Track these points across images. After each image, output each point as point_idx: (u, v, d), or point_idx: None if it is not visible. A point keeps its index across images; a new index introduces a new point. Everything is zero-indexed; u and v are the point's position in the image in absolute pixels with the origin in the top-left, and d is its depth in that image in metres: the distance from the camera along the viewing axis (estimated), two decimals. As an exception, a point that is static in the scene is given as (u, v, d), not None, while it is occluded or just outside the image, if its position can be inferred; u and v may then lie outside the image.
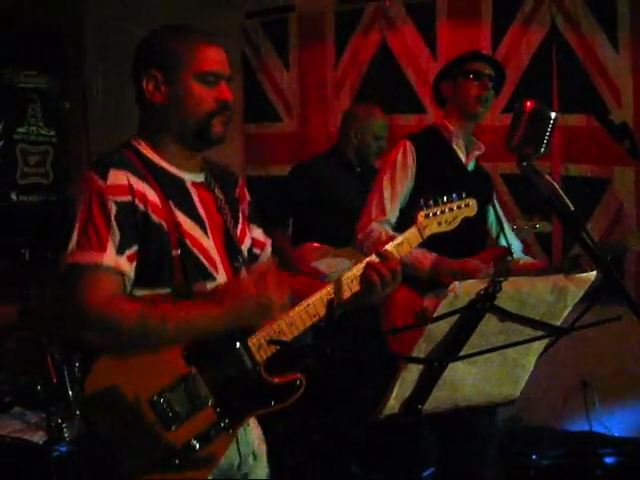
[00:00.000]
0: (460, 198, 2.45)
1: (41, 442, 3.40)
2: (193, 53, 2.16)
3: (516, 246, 3.57)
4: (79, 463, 3.17)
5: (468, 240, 3.20)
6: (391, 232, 3.21)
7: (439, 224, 2.40)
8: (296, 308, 2.17)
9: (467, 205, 2.47)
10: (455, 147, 3.47)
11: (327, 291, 2.20)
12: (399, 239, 2.32)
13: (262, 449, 2.35)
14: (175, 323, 2.03)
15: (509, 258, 3.41)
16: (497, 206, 3.64)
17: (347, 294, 2.22)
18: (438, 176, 3.32)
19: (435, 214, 2.39)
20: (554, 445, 4.66)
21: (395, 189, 3.31)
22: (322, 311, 2.17)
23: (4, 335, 3.87)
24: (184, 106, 2.16)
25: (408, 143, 3.37)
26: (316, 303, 2.18)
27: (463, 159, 3.49)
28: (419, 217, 2.36)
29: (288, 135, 5.67)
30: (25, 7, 5.59)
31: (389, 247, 2.28)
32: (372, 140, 4.53)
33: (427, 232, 2.37)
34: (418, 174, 3.34)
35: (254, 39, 5.73)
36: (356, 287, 2.22)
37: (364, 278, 2.21)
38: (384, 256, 2.24)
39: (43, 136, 5.98)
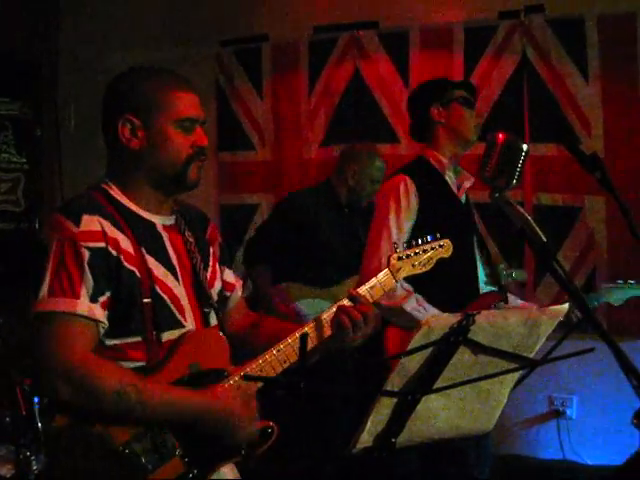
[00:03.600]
0: (435, 239, 2.44)
1: (9, 475, 3.35)
2: (170, 99, 2.15)
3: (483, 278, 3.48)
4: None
5: (461, 275, 3.18)
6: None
7: (413, 266, 2.38)
8: (266, 355, 2.15)
9: (441, 246, 2.44)
10: (447, 180, 3.33)
11: (296, 336, 2.17)
12: (372, 282, 2.31)
13: None
14: (152, 404, 2.00)
15: (502, 303, 3.27)
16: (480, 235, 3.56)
17: (320, 337, 2.20)
18: (436, 212, 3.22)
19: (408, 256, 2.37)
20: (527, 474, 4.67)
21: (402, 230, 3.17)
22: (292, 357, 2.15)
23: None
24: (162, 152, 2.14)
25: (408, 180, 3.21)
26: (286, 348, 2.16)
27: (455, 191, 3.36)
28: (391, 260, 2.35)
29: (262, 164, 5.65)
30: (-2, 35, 5.60)
31: (361, 290, 2.27)
32: (368, 184, 4.40)
33: (401, 274, 2.36)
34: (418, 212, 3.22)
35: (228, 68, 5.72)
36: (328, 331, 2.21)
37: (336, 322, 2.20)
38: (356, 299, 2.22)
39: (15, 163, 5.91)
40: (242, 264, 4.56)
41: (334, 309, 2.22)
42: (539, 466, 4.81)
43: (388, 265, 2.34)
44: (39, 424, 3.34)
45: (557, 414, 4.89)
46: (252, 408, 2.13)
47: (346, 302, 2.23)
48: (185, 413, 2.03)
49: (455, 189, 3.36)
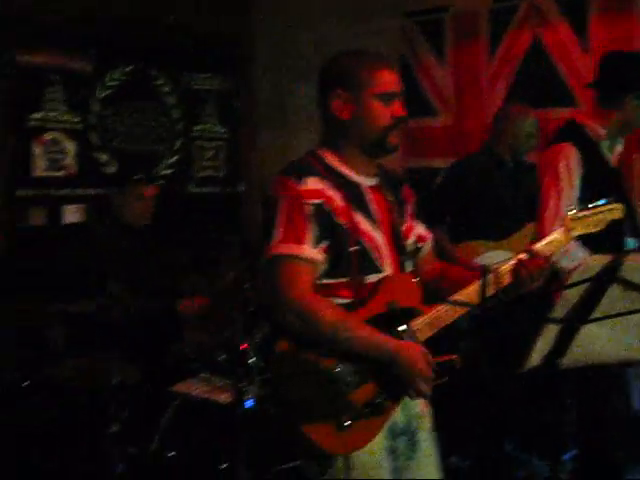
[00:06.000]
0: (608, 202, 2.70)
1: (226, 403, 3.83)
2: (375, 76, 2.51)
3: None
4: (260, 420, 3.60)
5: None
6: None
7: (586, 226, 2.66)
8: (455, 296, 2.48)
9: (614, 209, 2.71)
10: (603, 148, 3.50)
11: (481, 282, 2.47)
12: (549, 238, 2.61)
13: (426, 409, 2.66)
14: (357, 340, 2.37)
15: None
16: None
17: (501, 284, 2.51)
18: (593, 179, 3.40)
19: (583, 217, 2.66)
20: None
21: (570, 196, 3.36)
22: (476, 300, 2.47)
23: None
24: (366, 121, 2.52)
25: (573, 149, 3.42)
26: (471, 292, 2.48)
27: (610, 158, 3.53)
28: (567, 220, 2.64)
29: (445, 128, 5.89)
30: (201, 14, 6.08)
31: (538, 246, 2.58)
32: (524, 139, 4.60)
33: (574, 233, 2.64)
34: (581, 177, 3.41)
35: (411, 38, 5.98)
36: (507, 280, 2.52)
37: (514, 273, 2.51)
38: (533, 254, 2.53)
39: (216, 132, 6.49)
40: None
41: (513, 261, 2.54)
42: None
43: (565, 224, 2.63)
44: (251, 360, 3.85)
45: None
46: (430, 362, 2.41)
47: (524, 256, 2.53)
48: (382, 354, 2.38)
49: (611, 156, 3.53)
